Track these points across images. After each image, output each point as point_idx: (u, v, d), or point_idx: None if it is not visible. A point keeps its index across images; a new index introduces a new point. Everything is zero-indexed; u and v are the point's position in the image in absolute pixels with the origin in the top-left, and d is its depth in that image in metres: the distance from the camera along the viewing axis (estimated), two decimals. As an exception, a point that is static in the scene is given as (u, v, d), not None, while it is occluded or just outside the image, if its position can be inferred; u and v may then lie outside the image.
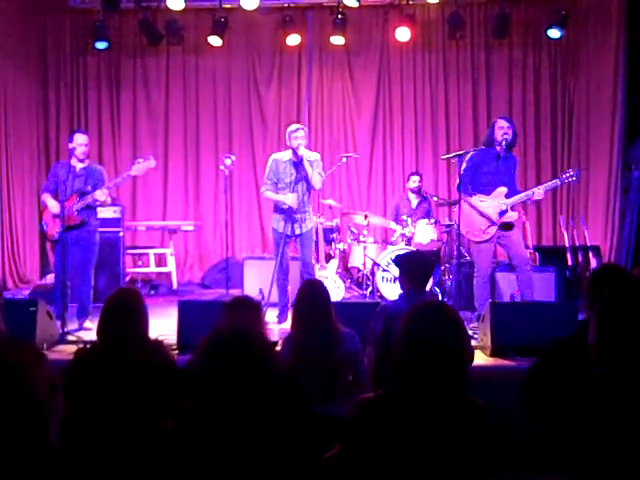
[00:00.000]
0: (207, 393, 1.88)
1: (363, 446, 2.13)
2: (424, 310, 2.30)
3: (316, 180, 6.47)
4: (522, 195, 6.16)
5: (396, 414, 2.12)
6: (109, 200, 6.59)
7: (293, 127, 6.56)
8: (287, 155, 6.56)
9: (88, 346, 3.33)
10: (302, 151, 6.35)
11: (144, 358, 3.07)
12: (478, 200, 6.28)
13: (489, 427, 2.14)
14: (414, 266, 4.23)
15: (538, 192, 6.15)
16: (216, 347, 1.93)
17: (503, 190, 6.18)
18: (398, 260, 4.46)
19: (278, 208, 6.60)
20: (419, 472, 2.08)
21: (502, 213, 6.18)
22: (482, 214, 6.23)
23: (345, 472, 2.20)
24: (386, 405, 2.16)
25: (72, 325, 6.22)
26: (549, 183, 6.54)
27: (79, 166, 6.42)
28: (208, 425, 1.87)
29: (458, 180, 6.30)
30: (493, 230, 6.22)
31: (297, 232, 6.52)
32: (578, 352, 2.71)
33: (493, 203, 6.20)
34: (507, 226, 6.22)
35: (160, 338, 3.39)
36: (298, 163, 6.43)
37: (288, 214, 6.45)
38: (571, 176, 6.21)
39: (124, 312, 3.19)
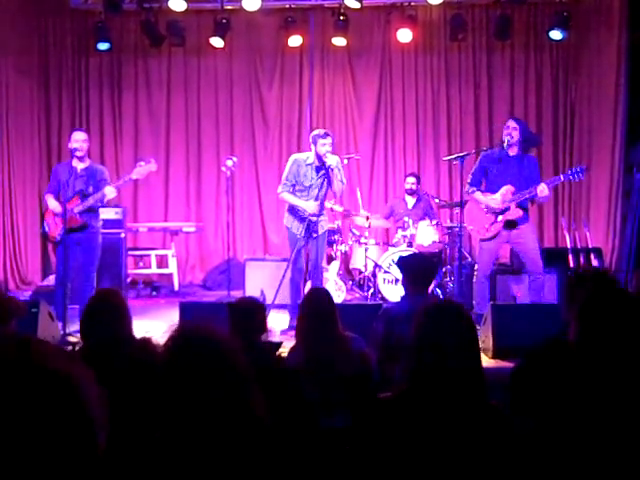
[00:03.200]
0: (174, 396, 1.90)
1: (380, 446, 2.11)
2: (438, 309, 2.30)
3: (339, 188, 6.40)
4: (525, 192, 6.15)
5: (413, 413, 2.11)
6: (115, 200, 6.61)
7: (321, 132, 6.42)
8: (310, 158, 6.41)
9: (77, 348, 3.32)
10: (331, 160, 6.21)
11: (130, 357, 3.07)
12: (482, 195, 6.32)
13: (504, 427, 2.12)
14: (416, 268, 4.21)
15: (540, 188, 6.05)
16: (175, 347, 1.96)
17: (509, 188, 6.18)
18: (400, 262, 4.45)
19: (294, 210, 6.50)
20: (436, 473, 2.06)
21: (505, 210, 6.18)
22: (486, 207, 6.26)
23: (362, 473, 2.18)
24: (404, 404, 2.14)
25: (74, 327, 6.22)
26: (552, 179, 6.53)
27: (80, 167, 6.38)
28: (182, 427, 1.88)
29: (469, 180, 6.37)
30: (497, 227, 6.23)
31: (313, 235, 6.42)
32: (563, 352, 2.74)
33: (497, 198, 6.22)
34: (511, 224, 6.22)
35: (148, 336, 3.37)
36: (321, 168, 6.33)
37: (305, 217, 6.35)
38: (576, 172, 6.18)
39: (103, 313, 3.18)
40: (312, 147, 6.40)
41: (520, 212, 6.20)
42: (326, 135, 6.34)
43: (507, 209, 6.18)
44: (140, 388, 2.92)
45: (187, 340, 1.95)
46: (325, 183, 6.33)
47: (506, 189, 6.20)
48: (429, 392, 2.13)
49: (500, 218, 6.21)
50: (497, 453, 2.06)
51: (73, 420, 1.26)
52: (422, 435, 2.07)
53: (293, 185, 6.45)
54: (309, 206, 6.34)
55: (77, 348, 3.33)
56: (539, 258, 6.30)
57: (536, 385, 2.78)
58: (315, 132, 6.50)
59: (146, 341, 3.21)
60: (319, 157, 6.32)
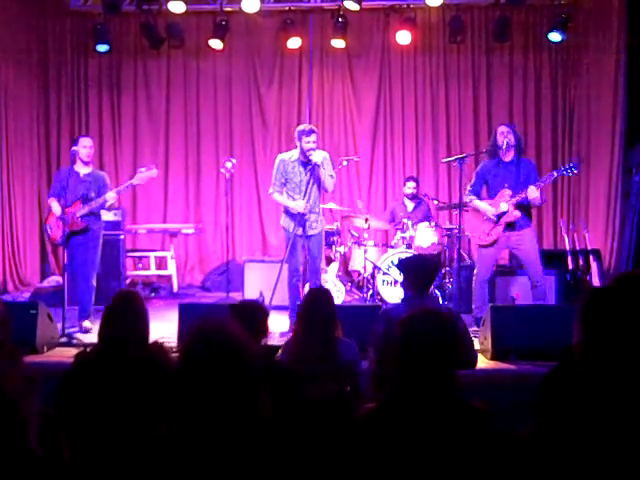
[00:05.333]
0: (188, 392, 1.91)
1: (367, 458, 2.11)
2: (416, 317, 2.31)
3: (329, 183, 6.37)
4: (521, 193, 6.16)
5: (396, 423, 2.11)
6: (116, 204, 6.74)
7: (306, 128, 6.38)
8: (295, 155, 6.40)
9: (88, 349, 3.31)
10: (315, 158, 6.19)
11: (144, 360, 3.07)
12: (480, 202, 6.34)
13: (491, 431, 2.13)
14: (416, 270, 4.21)
15: (529, 190, 6.07)
16: (192, 346, 1.97)
17: (507, 192, 6.21)
18: (401, 263, 4.45)
19: (287, 209, 6.49)
20: None
21: (504, 213, 6.20)
22: (484, 215, 6.29)
23: None
24: (386, 414, 2.15)
25: (73, 327, 6.29)
26: (545, 177, 6.52)
27: (83, 172, 6.55)
28: (191, 423, 1.88)
29: (467, 191, 6.41)
30: (498, 231, 6.24)
31: (309, 233, 6.41)
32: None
33: (495, 204, 6.25)
34: (510, 226, 6.23)
35: (160, 340, 3.37)
36: (307, 164, 6.31)
37: (297, 215, 6.34)
38: (569, 167, 6.21)
39: (125, 314, 3.18)
40: (297, 143, 6.38)
41: (518, 213, 6.21)
42: (310, 132, 6.30)
43: (505, 212, 6.19)
44: (150, 390, 2.93)
45: (205, 337, 1.96)
46: (312, 180, 6.30)
47: (503, 192, 6.23)
48: (409, 399, 2.14)
49: (499, 222, 6.23)
50: (480, 457, 2.07)
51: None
52: (407, 442, 2.08)
53: (283, 184, 6.44)
54: (298, 205, 6.32)
55: (88, 349, 3.31)
56: (539, 265, 6.32)
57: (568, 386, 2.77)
58: (300, 128, 6.46)
59: (158, 345, 3.22)
60: (304, 153, 6.30)
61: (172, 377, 2.36)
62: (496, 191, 6.31)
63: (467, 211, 6.65)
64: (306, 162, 6.33)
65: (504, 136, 6.26)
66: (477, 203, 6.38)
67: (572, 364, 2.92)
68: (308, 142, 6.24)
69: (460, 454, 2.07)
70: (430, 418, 2.10)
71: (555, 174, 6.43)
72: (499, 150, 6.28)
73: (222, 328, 1.99)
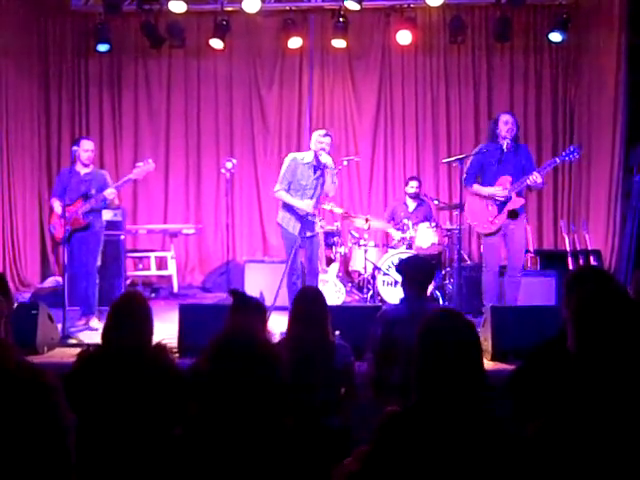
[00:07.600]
0: (213, 394, 1.90)
1: (389, 461, 2.10)
2: (440, 317, 2.28)
3: (332, 188, 6.52)
4: (523, 179, 6.10)
5: (423, 428, 2.09)
6: (117, 201, 6.83)
7: (322, 132, 6.52)
8: (308, 157, 6.47)
9: (91, 348, 3.31)
10: (325, 158, 6.29)
11: (146, 362, 3.07)
12: (483, 187, 6.26)
13: (508, 439, 2.12)
14: (413, 270, 4.20)
15: (532, 177, 6.00)
16: (223, 349, 1.96)
17: (507, 178, 6.15)
18: (398, 265, 4.44)
19: (290, 208, 6.49)
20: None
21: (507, 200, 6.15)
22: (487, 198, 6.20)
23: None
24: (413, 419, 2.13)
25: (79, 324, 6.49)
26: (547, 163, 6.46)
27: (84, 171, 6.69)
28: (214, 427, 1.88)
29: (465, 174, 6.29)
30: (502, 219, 6.17)
31: (308, 234, 6.45)
32: (562, 353, 2.74)
33: (497, 189, 6.19)
34: (513, 214, 6.17)
35: (164, 342, 3.38)
36: (318, 167, 6.39)
37: (299, 215, 6.40)
38: (570, 152, 6.13)
39: (130, 316, 3.18)
40: (312, 146, 6.48)
41: (522, 200, 6.17)
42: (326, 135, 6.43)
43: (509, 199, 6.14)
44: (153, 390, 2.93)
45: (238, 346, 1.95)
46: (321, 181, 6.37)
47: (504, 179, 6.17)
48: (438, 403, 2.12)
49: (503, 210, 6.16)
50: (504, 465, 2.06)
51: (45, 424, 1.26)
52: (435, 448, 2.05)
53: (289, 183, 6.46)
54: (305, 205, 6.36)
55: (91, 348, 3.30)
56: (521, 256, 6.28)
57: (537, 388, 2.78)
58: (317, 131, 6.58)
59: (161, 347, 3.22)
60: (317, 156, 6.36)
61: (190, 376, 2.34)
62: (492, 178, 6.22)
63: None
64: (317, 166, 6.42)
65: (508, 127, 6.18)
66: (480, 188, 6.26)
67: (540, 363, 2.93)
68: (321, 143, 6.35)
69: (484, 462, 2.05)
70: (454, 423, 2.07)
71: (557, 160, 6.29)
72: (500, 139, 6.20)
73: (254, 336, 1.99)
